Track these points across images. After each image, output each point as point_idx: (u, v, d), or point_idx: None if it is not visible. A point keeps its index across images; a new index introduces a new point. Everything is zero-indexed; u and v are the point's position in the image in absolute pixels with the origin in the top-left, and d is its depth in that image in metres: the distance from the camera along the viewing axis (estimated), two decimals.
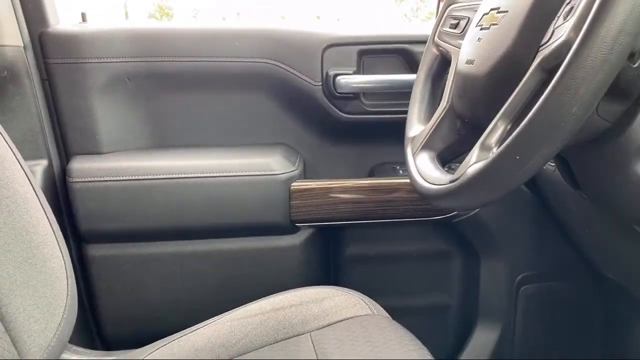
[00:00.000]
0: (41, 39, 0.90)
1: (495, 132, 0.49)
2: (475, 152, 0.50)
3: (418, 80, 0.75)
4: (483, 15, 0.59)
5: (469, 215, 0.98)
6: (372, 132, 1.02)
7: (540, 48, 0.49)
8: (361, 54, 0.97)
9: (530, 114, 0.42)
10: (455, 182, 0.51)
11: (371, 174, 1.05)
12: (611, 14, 0.38)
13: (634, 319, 1.02)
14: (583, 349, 1.07)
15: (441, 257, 1.05)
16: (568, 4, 0.47)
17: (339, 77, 0.95)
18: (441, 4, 0.76)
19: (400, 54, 0.96)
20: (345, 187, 0.97)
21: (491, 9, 0.58)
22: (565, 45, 0.43)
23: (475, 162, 0.49)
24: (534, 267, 1.02)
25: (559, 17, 0.48)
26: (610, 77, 0.40)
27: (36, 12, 0.90)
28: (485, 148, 0.49)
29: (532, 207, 0.98)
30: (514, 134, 0.43)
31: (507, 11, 0.55)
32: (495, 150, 0.48)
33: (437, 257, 1.05)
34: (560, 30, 0.46)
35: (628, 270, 0.87)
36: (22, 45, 0.88)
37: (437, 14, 0.78)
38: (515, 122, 0.48)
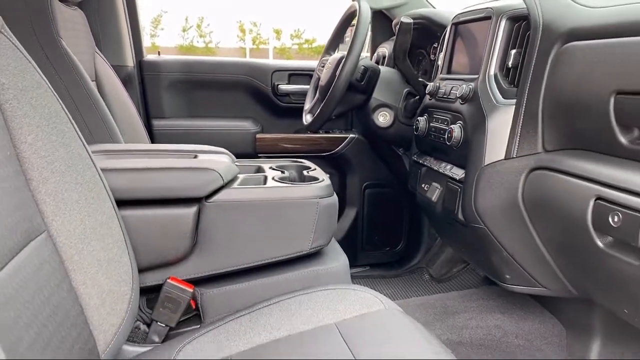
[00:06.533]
0: (140, 63, 1.94)
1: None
2: (318, 108, 1.58)
3: (310, 88, 1.83)
4: (327, 63, 1.67)
5: (341, 153, 2.06)
6: (296, 112, 2.09)
7: (337, 74, 1.57)
8: (290, 75, 2.06)
9: (327, 96, 1.51)
10: (311, 120, 1.60)
11: (296, 132, 2.12)
12: (346, 65, 1.47)
13: (431, 221, 2.12)
14: (397, 225, 2.16)
15: (330, 175, 2.13)
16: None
17: (279, 86, 2.04)
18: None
19: (308, 75, 2.05)
20: (283, 138, 2.04)
21: (328, 60, 1.66)
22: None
23: (316, 111, 1.57)
24: (372, 179, 2.11)
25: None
26: (345, 85, 1.48)
27: (137, 50, 1.94)
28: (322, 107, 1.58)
29: (370, 149, 2.07)
30: (323, 102, 1.52)
31: (327, 60, 1.63)
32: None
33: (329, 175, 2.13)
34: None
35: (404, 180, 1.95)
36: (132, 65, 1.92)
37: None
38: None
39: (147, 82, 1.95)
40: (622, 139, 0.82)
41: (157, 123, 1.95)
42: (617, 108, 0.81)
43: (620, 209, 0.79)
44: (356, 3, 1.54)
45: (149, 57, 1.99)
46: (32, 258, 0.71)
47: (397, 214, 2.15)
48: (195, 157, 1.13)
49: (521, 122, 1.02)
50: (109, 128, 1.30)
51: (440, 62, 1.39)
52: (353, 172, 2.10)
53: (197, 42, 30.96)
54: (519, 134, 1.02)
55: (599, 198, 0.83)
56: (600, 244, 0.84)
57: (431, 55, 1.71)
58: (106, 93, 1.60)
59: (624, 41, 0.81)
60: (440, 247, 2.03)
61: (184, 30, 31.54)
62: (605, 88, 0.83)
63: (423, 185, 1.36)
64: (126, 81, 1.89)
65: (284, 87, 2.06)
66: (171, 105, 2.00)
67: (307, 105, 1.78)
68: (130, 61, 1.90)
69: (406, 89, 1.60)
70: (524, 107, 1.02)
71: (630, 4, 0.87)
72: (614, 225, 0.80)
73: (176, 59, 2.01)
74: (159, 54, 2.02)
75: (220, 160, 1.08)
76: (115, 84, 1.66)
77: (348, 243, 2.11)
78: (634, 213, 0.76)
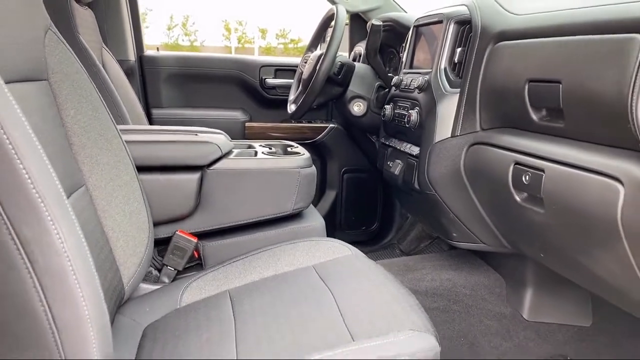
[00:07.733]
0: (141, 58, 2.15)
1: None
2: (301, 98, 1.81)
3: (294, 81, 2.06)
4: (309, 59, 1.90)
5: (322, 140, 2.29)
6: (282, 103, 2.31)
7: (317, 68, 1.80)
8: (276, 70, 2.29)
9: (308, 87, 1.74)
10: (294, 109, 1.83)
11: (283, 122, 2.35)
12: (324, 61, 1.70)
13: (394, 193, 2.36)
14: (372, 207, 2.39)
15: (312, 161, 2.36)
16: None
17: (266, 79, 2.27)
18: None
19: (292, 70, 2.28)
20: (270, 127, 2.27)
21: (309, 57, 1.89)
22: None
23: (299, 101, 1.80)
24: (350, 165, 2.34)
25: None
26: (324, 78, 1.71)
27: (138, 46, 2.15)
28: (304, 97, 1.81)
29: (348, 138, 2.31)
30: (305, 93, 1.75)
31: (309, 56, 1.86)
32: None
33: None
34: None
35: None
36: (134, 60, 2.13)
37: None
38: None
39: (147, 75, 2.17)
40: (534, 117, 1.06)
41: (156, 112, 2.17)
42: (530, 93, 1.05)
43: (529, 169, 1.03)
44: (334, 7, 1.77)
45: (149, 52, 2.20)
46: (75, 205, 0.92)
47: (373, 196, 2.39)
48: (197, 135, 1.35)
49: (463, 107, 1.26)
50: (121, 114, 1.52)
51: (404, 59, 1.63)
52: (333, 159, 2.33)
53: (182, 40, 31.03)
54: (461, 117, 1.26)
55: (517, 163, 1.08)
56: (518, 199, 1.08)
57: (401, 54, 1.95)
58: (112, 83, 1.81)
59: (535, 41, 1.06)
60: (410, 226, 2.26)
61: (169, 29, 31.56)
62: (522, 77, 1.07)
63: (389, 163, 1.60)
64: (128, 74, 2.09)
65: (271, 80, 2.29)
66: (168, 95, 2.22)
67: (292, 96, 2.00)
68: (132, 56, 2.11)
69: (377, 83, 1.84)
70: (465, 94, 1.26)
71: (544, 12, 1.11)
72: (526, 183, 1.04)
73: (173, 55, 2.23)
74: (157, 50, 2.23)
75: (218, 136, 1.30)
76: (120, 76, 1.87)
77: (328, 223, 2.32)
78: (537, 172, 1.00)
